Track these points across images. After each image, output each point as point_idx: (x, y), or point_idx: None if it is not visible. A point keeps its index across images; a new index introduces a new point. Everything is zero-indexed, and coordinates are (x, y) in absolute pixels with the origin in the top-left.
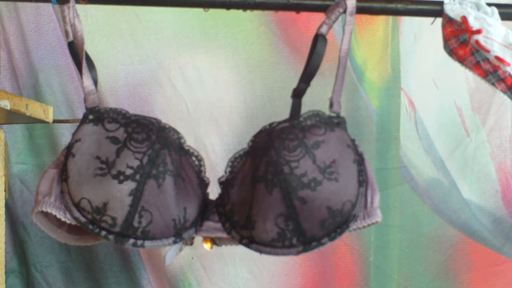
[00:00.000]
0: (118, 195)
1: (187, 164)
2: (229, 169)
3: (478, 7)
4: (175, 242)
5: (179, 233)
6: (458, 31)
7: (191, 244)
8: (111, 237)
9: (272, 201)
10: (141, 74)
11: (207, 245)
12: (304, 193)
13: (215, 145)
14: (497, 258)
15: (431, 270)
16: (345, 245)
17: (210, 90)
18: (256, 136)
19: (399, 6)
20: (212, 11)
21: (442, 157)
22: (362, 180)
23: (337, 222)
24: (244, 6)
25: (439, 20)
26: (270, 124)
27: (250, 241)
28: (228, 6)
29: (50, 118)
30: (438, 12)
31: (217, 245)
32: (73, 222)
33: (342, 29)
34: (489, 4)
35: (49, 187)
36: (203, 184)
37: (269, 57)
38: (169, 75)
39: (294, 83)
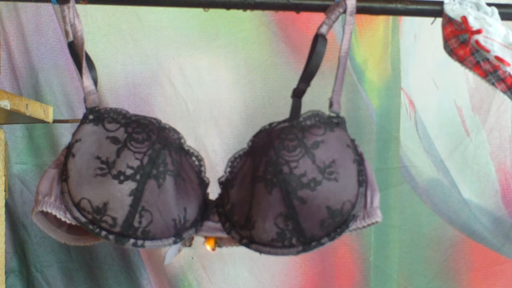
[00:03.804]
0: (119, 195)
1: (187, 164)
2: (229, 169)
3: (478, 7)
4: (175, 242)
5: (179, 233)
6: (458, 31)
7: (190, 245)
8: (111, 237)
9: (272, 201)
10: (141, 74)
11: (209, 247)
12: (303, 193)
13: (215, 145)
14: (497, 258)
15: (431, 270)
16: (345, 245)
17: (210, 90)
18: (255, 136)
19: (399, 6)
20: (212, 11)
21: (442, 157)
22: (362, 180)
23: (337, 222)
24: (244, 6)
25: (439, 20)
26: (270, 124)
27: (250, 241)
28: (228, 6)
29: (50, 118)
30: (438, 12)
31: (219, 246)
32: (73, 222)
33: (342, 29)
34: (489, 4)
35: (49, 187)
36: (203, 184)
37: (269, 57)
38: (169, 75)
39: (294, 83)
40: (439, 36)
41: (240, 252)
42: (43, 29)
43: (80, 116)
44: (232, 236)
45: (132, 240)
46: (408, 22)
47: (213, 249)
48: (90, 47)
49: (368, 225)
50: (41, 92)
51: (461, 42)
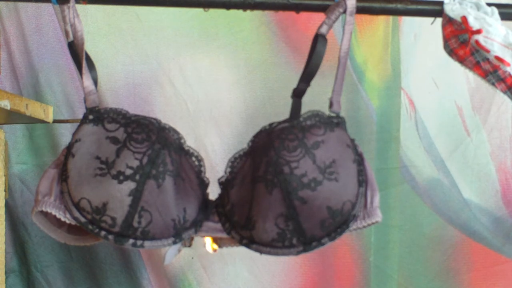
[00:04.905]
0: (118, 195)
1: (187, 164)
2: (229, 169)
3: (478, 7)
4: (174, 243)
5: (179, 233)
6: (458, 31)
7: (190, 245)
8: (110, 237)
9: (272, 201)
10: (141, 74)
11: (211, 247)
12: (304, 193)
13: (215, 145)
14: (497, 258)
15: (431, 270)
16: (345, 245)
17: (210, 90)
18: (256, 136)
19: (399, 6)
20: (212, 11)
21: (442, 157)
22: (362, 180)
23: (337, 222)
24: (244, 6)
25: (439, 20)
26: (270, 124)
27: (250, 241)
28: (228, 6)
29: (50, 118)
30: (438, 12)
31: (219, 246)
32: (73, 222)
33: (342, 29)
34: (489, 4)
35: (49, 187)
36: (203, 184)
37: (269, 57)
38: (169, 75)
39: (294, 83)
40: (439, 36)
41: (240, 252)
42: (43, 29)
43: (80, 116)
44: (232, 236)
45: (131, 240)
46: (408, 22)
47: (215, 250)
48: (90, 47)
49: (368, 225)
50: (41, 92)
51: (461, 42)
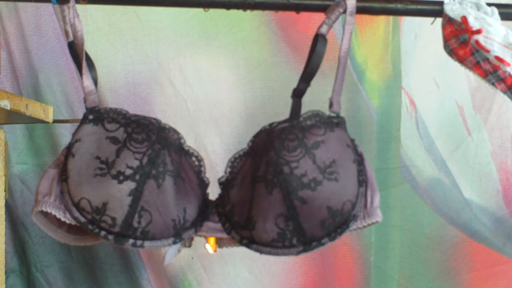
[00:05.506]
0: (118, 195)
1: (187, 164)
2: (229, 169)
3: (478, 7)
4: (174, 243)
5: (179, 233)
6: (458, 31)
7: (189, 246)
8: (110, 237)
9: (272, 201)
10: (141, 74)
11: (211, 248)
12: (304, 193)
13: (215, 145)
14: (498, 258)
15: (432, 270)
16: (345, 245)
17: (210, 90)
18: (256, 136)
19: (399, 6)
20: (212, 11)
21: (443, 156)
22: (362, 180)
23: (337, 222)
24: (244, 6)
25: (439, 20)
26: (270, 124)
27: (250, 242)
28: (228, 6)
29: (50, 118)
30: (438, 12)
31: (219, 246)
32: (73, 222)
33: (342, 29)
34: (489, 4)
35: (49, 187)
36: (203, 184)
37: (269, 57)
38: (169, 75)
39: (294, 83)
40: (439, 36)
41: (240, 252)
42: (43, 29)
43: (80, 116)
44: (232, 236)
45: (131, 240)
46: (408, 22)
47: (215, 251)
48: (90, 47)
49: (369, 225)
50: (41, 92)
51: (461, 42)
